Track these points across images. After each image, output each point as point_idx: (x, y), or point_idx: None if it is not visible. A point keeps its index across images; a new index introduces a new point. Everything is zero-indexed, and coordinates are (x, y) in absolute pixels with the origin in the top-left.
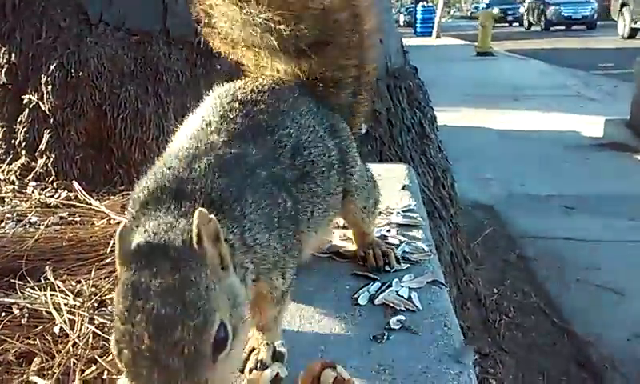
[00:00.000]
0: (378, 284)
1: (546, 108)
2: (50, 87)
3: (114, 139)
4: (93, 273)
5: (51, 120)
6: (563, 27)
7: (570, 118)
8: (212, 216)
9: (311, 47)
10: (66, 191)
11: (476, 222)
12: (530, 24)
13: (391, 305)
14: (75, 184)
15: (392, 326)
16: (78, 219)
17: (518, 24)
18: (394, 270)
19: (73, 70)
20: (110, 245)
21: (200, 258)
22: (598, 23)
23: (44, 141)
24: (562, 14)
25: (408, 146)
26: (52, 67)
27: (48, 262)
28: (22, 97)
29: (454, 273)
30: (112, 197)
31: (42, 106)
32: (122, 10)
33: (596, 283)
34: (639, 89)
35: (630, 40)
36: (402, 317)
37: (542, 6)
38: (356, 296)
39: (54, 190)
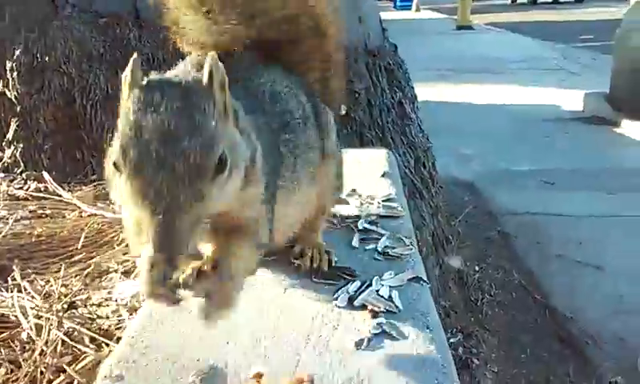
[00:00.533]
0: (357, 283)
1: (526, 82)
2: (15, 73)
3: (84, 126)
4: (62, 271)
5: (18, 108)
6: (551, 0)
7: (550, 91)
8: (221, 64)
9: (275, 49)
10: (35, 182)
11: (457, 199)
12: None
13: (371, 307)
14: (45, 174)
15: (372, 331)
16: (48, 212)
17: None
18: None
19: (39, 55)
20: (81, 241)
21: (209, 93)
22: None
23: (11, 130)
24: None
25: (388, 127)
26: (16, 52)
27: (16, 261)
28: None
29: (436, 253)
30: (84, 187)
31: (7, 93)
32: None
33: (576, 259)
34: (617, 62)
35: (614, 11)
36: (382, 319)
37: None
38: (335, 296)
39: (23, 182)
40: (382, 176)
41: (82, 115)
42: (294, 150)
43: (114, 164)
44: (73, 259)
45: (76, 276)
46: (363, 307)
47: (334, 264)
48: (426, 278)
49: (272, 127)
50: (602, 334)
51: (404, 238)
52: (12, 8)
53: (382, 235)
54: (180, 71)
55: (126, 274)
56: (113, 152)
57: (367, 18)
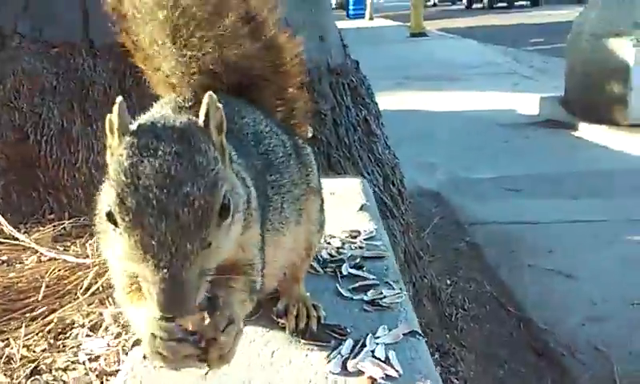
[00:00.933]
0: (350, 341)
1: (481, 87)
2: None
3: (39, 163)
4: (23, 330)
5: None
6: (506, 4)
7: (505, 96)
8: (220, 105)
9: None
10: None
11: (424, 210)
12: (471, 2)
13: (369, 374)
14: None
15: None
16: (3, 258)
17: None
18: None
19: None
20: (42, 291)
21: (207, 134)
22: None
23: None
24: None
25: (355, 146)
26: None
27: None
28: None
29: (409, 269)
30: (41, 228)
31: None
32: (38, 19)
33: (547, 267)
34: (570, 66)
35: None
36: None
37: None
38: (328, 360)
39: None
40: (360, 210)
41: (35, 152)
42: (280, 189)
43: (108, 215)
44: (34, 313)
45: (38, 333)
46: (359, 373)
47: (322, 321)
48: (420, 331)
49: (257, 168)
50: (578, 343)
51: (392, 283)
52: None
53: (368, 280)
54: (159, 113)
55: (93, 329)
56: (105, 203)
57: (328, 34)
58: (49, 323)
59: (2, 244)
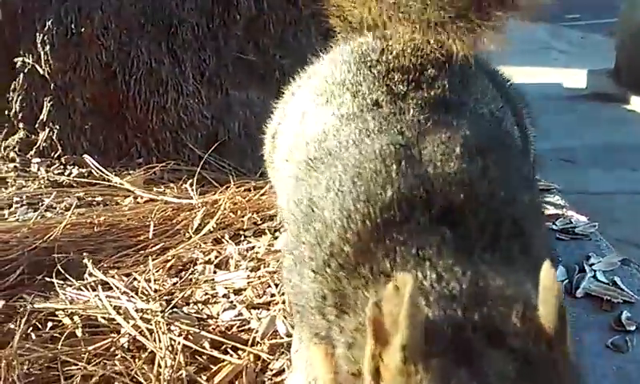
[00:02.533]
0: (561, 269)
1: (520, 63)
2: (47, 47)
3: (126, 105)
4: (150, 264)
5: (51, 86)
6: None
7: (547, 71)
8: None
9: None
10: (76, 167)
11: None
12: None
13: (603, 297)
14: (87, 158)
15: (626, 327)
16: (99, 199)
17: None
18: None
19: (73, 26)
20: (151, 229)
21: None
22: None
23: (45, 110)
24: None
25: None
26: (48, 23)
27: (84, 254)
28: (14, 60)
29: None
30: (131, 171)
31: (39, 69)
32: None
33: (615, 237)
34: (622, 38)
35: None
36: (627, 313)
37: None
38: None
39: (62, 167)
40: None
41: (123, 93)
42: None
43: None
44: (148, 250)
45: (158, 270)
46: (587, 297)
47: None
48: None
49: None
50: None
51: (576, 214)
52: None
53: (548, 211)
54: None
55: (219, 266)
56: None
57: None
58: (167, 261)
59: (94, 186)
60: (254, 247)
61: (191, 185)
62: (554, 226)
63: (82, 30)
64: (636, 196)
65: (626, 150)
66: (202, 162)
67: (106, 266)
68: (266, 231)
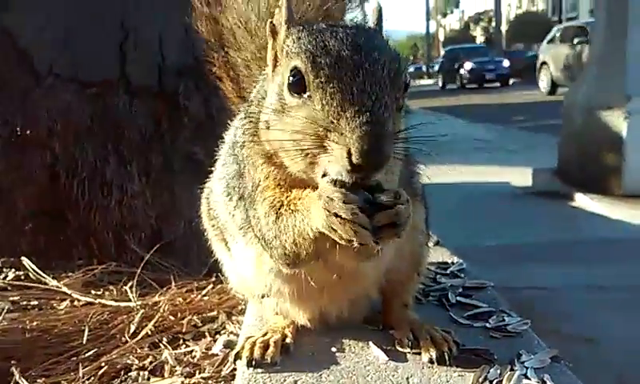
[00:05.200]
0: (497, 369)
1: (471, 161)
2: None
3: (69, 205)
4: (81, 370)
5: None
6: (476, 86)
7: (496, 170)
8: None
9: None
10: (13, 270)
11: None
12: (445, 83)
13: None
14: (25, 260)
15: None
16: (34, 303)
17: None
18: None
19: (19, 128)
20: (86, 334)
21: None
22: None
23: None
24: (477, 71)
25: None
26: None
27: (12, 362)
28: None
29: None
30: (71, 273)
31: None
32: (75, 59)
33: (567, 332)
34: (563, 138)
35: (547, 95)
36: None
37: (456, 65)
38: None
39: None
40: (437, 244)
41: (67, 194)
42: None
43: (291, 85)
44: (80, 357)
45: (90, 377)
46: None
47: (461, 346)
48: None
49: None
50: None
51: (508, 311)
52: None
53: (482, 308)
54: None
55: (153, 372)
56: (302, 59)
57: None
58: (99, 367)
59: (30, 289)
60: (192, 351)
61: (131, 287)
62: (487, 325)
63: (28, 132)
64: (584, 290)
65: (572, 246)
66: (142, 263)
67: (34, 374)
68: (206, 333)
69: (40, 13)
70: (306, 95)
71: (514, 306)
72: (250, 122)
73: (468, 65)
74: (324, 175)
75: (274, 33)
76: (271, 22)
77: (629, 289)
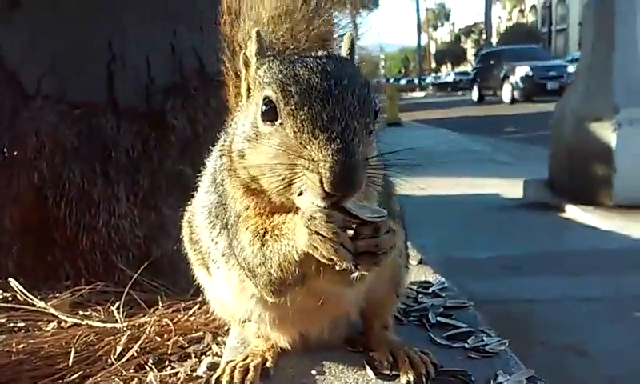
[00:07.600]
0: None
1: (462, 173)
2: None
3: (56, 226)
4: None
5: None
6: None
7: (487, 181)
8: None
9: None
10: (1, 291)
11: None
12: (482, 96)
13: None
14: (13, 282)
15: None
16: (21, 325)
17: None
18: None
19: (6, 149)
20: (72, 356)
21: (352, 62)
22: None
23: None
24: (534, 79)
25: None
26: None
27: None
28: None
29: None
30: (58, 294)
31: None
32: (63, 80)
33: (557, 344)
34: (553, 150)
35: (524, 105)
36: None
37: (501, 72)
38: None
39: None
40: (420, 263)
41: (54, 214)
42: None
43: (264, 114)
44: (66, 380)
45: None
46: None
47: (439, 367)
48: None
49: None
50: None
51: (487, 331)
52: None
53: (462, 328)
54: None
55: None
56: (273, 88)
57: None
58: None
59: (17, 310)
60: (177, 373)
61: (118, 308)
62: (465, 345)
63: (15, 153)
64: (574, 301)
65: (566, 257)
66: (130, 283)
67: None
68: (192, 355)
69: (28, 34)
70: (277, 123)
71: (504, 317)
72: (223, 156)
73: (521, 70)
74: (300, 194)
75: (247, 64)
76: (244, 54)
77: (619, 300)
